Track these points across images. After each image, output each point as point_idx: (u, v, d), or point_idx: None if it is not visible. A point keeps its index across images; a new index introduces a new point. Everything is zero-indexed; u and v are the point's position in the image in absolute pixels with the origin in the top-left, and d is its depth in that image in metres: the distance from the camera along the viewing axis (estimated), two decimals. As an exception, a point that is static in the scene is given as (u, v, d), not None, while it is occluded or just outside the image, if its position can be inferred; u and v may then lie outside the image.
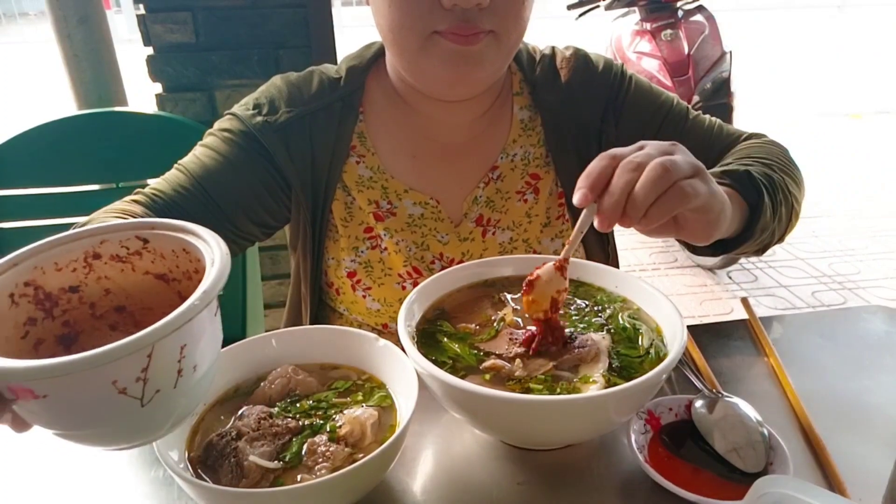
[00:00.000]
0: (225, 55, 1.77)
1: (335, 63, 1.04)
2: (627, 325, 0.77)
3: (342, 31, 2.45)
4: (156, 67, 1.76)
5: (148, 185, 0.94)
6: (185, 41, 1.74)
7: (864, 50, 9.36)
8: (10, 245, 1.37)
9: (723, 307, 3.02)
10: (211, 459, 0.64)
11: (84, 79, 1.92)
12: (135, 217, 0.85)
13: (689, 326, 0.80)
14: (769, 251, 0.94)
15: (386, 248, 1.01)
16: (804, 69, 8.21)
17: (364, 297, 1.03)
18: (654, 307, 0.78)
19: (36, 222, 1.44)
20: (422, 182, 1.00)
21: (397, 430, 0.63)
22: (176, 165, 0.95)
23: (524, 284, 0.73)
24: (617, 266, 1.10)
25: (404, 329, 0.71)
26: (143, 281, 0.62)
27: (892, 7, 13.00)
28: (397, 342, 0.71)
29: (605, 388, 0.66)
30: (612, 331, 0.76)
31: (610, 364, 0.71)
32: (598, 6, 3.54)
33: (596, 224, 0.64)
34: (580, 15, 3.62)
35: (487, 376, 0.70)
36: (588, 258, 1.07)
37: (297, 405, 0.71)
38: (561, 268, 0.72)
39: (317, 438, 0.65)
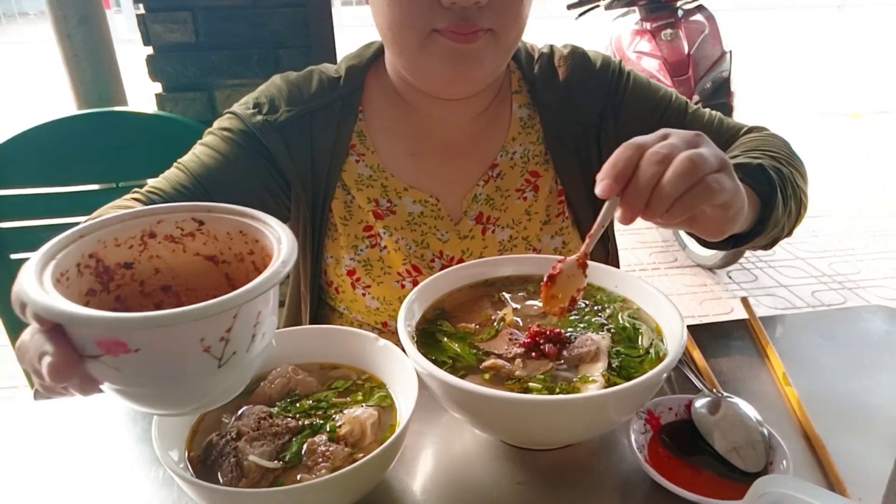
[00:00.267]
0: (225, 55, 1.77)
1: (335, 63, 1.04)
2: (627, 325, 0.77)
3: (342, 30, 2.46)
4: (155, 67, 1.76)
5: (147, 184, 0.94)
6: (185, 41, 1.74)
7: (864, 50, 9.36)
8: (11, 245, 1.39)
9: (723, 307, 3.02)
10: (211, 459, 0.64)
11: (84, 79, 1.92)
12: None
13: (689, 326, 0.80)
14: (776, 245, 0.93)
15: (385, 247, 1.01)
16: (804, 69, 8.21)
17: (363, 295, 1.03)
18: (653, 307, 0.78)
19: (36, 222, 1.43)
20: (421, 180, 1.00)
21: (397, 430, 0.63)
22: (175, 164, 0.95)
23: (545, 277, 0.71)
24: (617, 265, 1.10)
25: (404, 329, 0.71)
26: (193, 262, 0.63)
27: (892, 7, 12.99)
28: (397, 341, 0.71)
29: (605, 387, 0.66)
30: (611, 330, 0.76)
31: (610, 364, 0.71)
32: (597, 6, 3.54)
33: (618, 216, 0.62)
34: (580, 14, 3.62)
35: (487, 376, 0.70)
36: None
37: (297, 405, 0.71)
38: (583, 264, 0.71)
39: (317, 438, 0.65)
